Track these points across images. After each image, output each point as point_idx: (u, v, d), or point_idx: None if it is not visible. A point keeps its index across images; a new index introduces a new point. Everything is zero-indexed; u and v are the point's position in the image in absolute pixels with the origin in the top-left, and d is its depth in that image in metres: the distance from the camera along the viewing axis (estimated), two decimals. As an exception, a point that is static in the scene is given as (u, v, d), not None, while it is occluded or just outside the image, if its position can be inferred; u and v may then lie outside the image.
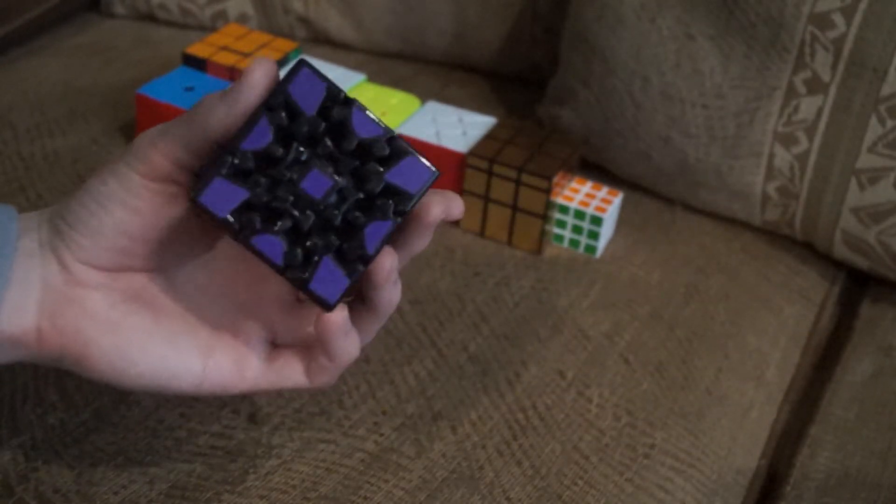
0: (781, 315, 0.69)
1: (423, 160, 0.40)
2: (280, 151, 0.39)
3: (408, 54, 0.91)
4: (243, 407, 0.54)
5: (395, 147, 0.40)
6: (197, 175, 0.41)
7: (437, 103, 0.73)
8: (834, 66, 0.65)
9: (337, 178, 0.40)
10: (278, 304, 0.46)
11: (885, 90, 0.63)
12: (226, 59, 0.74)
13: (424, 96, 0.79)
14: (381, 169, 0.40)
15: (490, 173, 0.67)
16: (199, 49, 0.75)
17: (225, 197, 0.39)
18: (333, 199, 0.40)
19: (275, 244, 0.40)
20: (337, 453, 0.52)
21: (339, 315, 0.41)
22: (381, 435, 0.54)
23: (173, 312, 0.44)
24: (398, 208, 0.40)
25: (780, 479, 0.59)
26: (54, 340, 0.41)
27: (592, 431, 0.56)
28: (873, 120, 0.64)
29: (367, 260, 0.40)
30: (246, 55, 0.75)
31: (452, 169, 0.69)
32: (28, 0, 0.86)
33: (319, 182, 0.39)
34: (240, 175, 0.39)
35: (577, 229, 0.69)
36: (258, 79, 0.39)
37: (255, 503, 0.49)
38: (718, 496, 0.56)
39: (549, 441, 0.55)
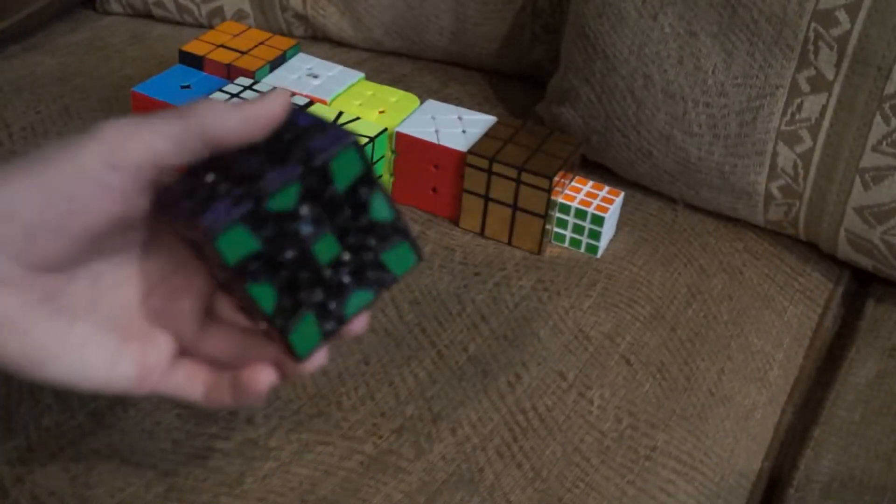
0: (785, 315, 0.69)
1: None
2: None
3: (407, 52, 0.91)
4: (241, 409, 0.53)
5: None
6: (188, 194, 0.41)
7: (436, 102, 0.73)
8: (838, 64, 0.64)
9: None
10: (192, 318, 0.44)
11: (890, 88, 0.63)
12: (223, 56, 0.74)
13: (424, 95, 0.79)
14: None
15: (490, 172, 0.67)
16: (195, 47, 0.75)
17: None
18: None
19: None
20: (335, 455, 0.52)
21: (312, 365, 0.42)
22: (380, 437, 0.53)
23: (88, 318, 0.42)
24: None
25: (784, 481, 0.59)
26: None
27: (594, 433, 0.56)
28: (877, 118, 0.64)
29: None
30: (243, 53, 0.75)
31: (452, 168, 0.68)
32: (24, -3, 0.86)
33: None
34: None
35: (578, 229, 0.69)
36: (279, 108, 0.40)
37: (253, 506, 0.49)
38: (721, 499, 0.56)
39: (549, 443, 0.55)
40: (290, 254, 0.41)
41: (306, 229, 0.41)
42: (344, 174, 0.41)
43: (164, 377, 0.44)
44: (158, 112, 0.40)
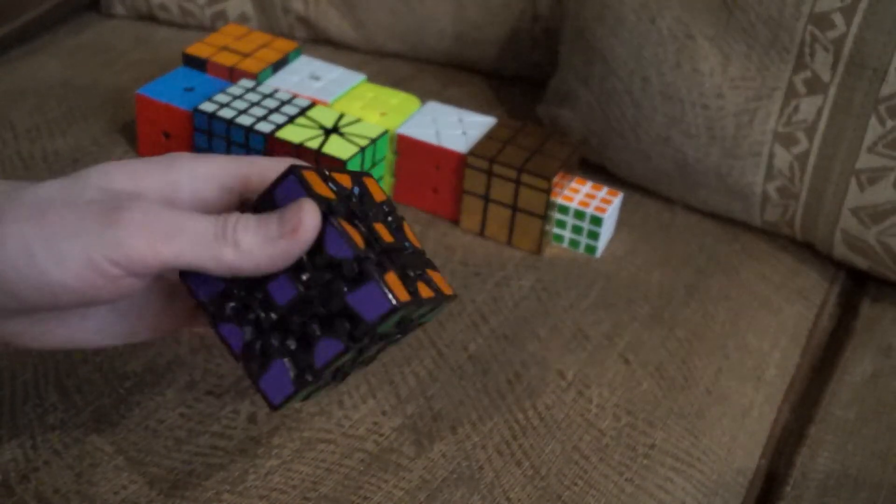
0: (781, 315, 0.69)
1: (387, 290, 0.39)
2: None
3: (408, 54, 0.91)
4: (243, 407, 0.54)
5: (363, 270, 0.39)
6: None
7: (437, 103, 0.73)
8: (834, 67, 0.65)
9: (302, 289, 0.40)
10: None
11: (885, 90, 0.63)
12: (226, 59, 0.74)
13: (424, 96, 0.79)
14: (345, 289, 0.40)
15: (490, 173, 0.67)
16: (199, 49, 0.75)
17: (208, 284, 0.41)
18: (299, 307, 0.40)
19: (236, 334, 0.42)
20: (337, 453, 0.52)
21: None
22: (381, 435, 0.54)
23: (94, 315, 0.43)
24: (354, 333, 0.40)
25: (780, 479, 0.59)
26: None
27: (592, 431, 0.56)
28: (873, 120, 0.65)
29: (315, 373, 0.40)
30: (246, 55, 0.75)
31: (452, 169, 0.69)
32: (28, 0, 0.86)
33: (285, 289, 0.40)
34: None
35: (576, 229, 0.69)
36: (312, 233, 0.39)
37: (256, 503, 0.49)
38: (718, 496, 0.56)
39: (548, 441, 0.55)
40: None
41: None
42: (390, 323, 0.41)
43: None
44: (189, 217, 0.39)
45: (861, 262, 0.71)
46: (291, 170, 0.40)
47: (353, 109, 0.72)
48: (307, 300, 0.40)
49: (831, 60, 0.65)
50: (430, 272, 0.45)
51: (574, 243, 0.70)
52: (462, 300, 0.64)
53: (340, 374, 0.44)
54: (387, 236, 0.43)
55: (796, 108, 0.67)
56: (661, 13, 0.70)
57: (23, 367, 0.54)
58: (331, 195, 0.41)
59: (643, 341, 0.63)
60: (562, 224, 0.69)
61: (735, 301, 0.68)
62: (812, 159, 0.68)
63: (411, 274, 0.43)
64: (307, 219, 0.39)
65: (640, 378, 0.61)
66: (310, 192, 0.40)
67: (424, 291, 0.42)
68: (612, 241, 0.72)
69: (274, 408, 0.41)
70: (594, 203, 0.69)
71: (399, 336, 0.45)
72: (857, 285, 0.75)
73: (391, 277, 0.40)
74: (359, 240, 0.40)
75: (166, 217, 0.38)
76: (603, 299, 0.66)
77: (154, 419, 0.52)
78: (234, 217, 0.39)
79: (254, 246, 0.39)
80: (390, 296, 0.39)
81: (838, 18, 0.64)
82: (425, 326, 0.61)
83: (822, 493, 0.57)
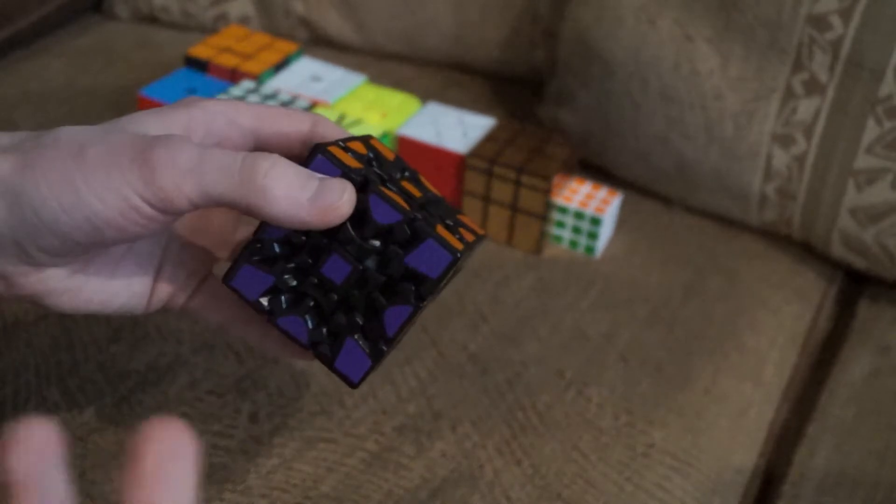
0: (779, 315, 0.69)
1: (441, 245, 0.39)
2: (301, 239, 0.40)
3: (408, 56, 0.91)
4: (245, 406, 0.54)
5: (417, 230, 0.39)
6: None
7: (437, 104, 0.73)
8: (832, 68, 0.65)
9: (358, 262, 0.40)
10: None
11: (883, 91, 0.64)
12: (227, 60, 0.75)
13: (425, 97, 0.79)
14: (402, 252, 0.40)
15: (490, 174, 0.67)
16: (200, 51, 0.76)
17: (254, 281, 0.41)
18: (357, 282, 0.40)
19: (299, 324, 0.41)
20: (338, 452, 0.53)
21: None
22: (382, 434, 0.54)
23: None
24: (420, 292, 0.40)
25: (779, 477, 0.59)
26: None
27: (592, 430, 0.57)
28: (871, 121, 0.65)
29: (388, 342, 0.40)
30: (247, 57, 0.75)
31: (452, 170, 0.69)
32: (30, 2, 0.86)
33: (339, 267, 0.40)
34: (267, 261, 0.41)
35: (576, 230, 0.69)
36: (346, 207, 0.39)
37: (257, 502, 0.50)
38: (717, 495, 0.56)
39: (548, 440, 0.56)
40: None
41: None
42: (447, 279, 0.40)
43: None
44: (216, 151, 0.38)
45: (859, 262, 0.71)
46: (318, 149, 0.40)
47: (353, 110, 0.72)
48: (364, 273, 0.40)
49: (829, 61, 0.65)
50: (461, 217, 0.45)
51: (573, 244, 0.70)
52: (462, 300, 0.64)
53: (401, 335, 0.43)
54: (415, 192, 0.43)
55: (794, 109, 0.67)
56: (660, 14, 0.70)
57: (25, 366, 0.55)
58: (360, 165, 0.41)
59: (642, 341, 0.64)
60: (561, 224, 0.70)
61: (733, 301, 0.69)
62: (810, 160, 0.68)
63: (450, 223, 0.43)
64: (344, 204, 0.39)
65: (639, 377, 0.61)
66: (343, 169, 0.40)
67: (468, 236, 0.43)
68: (611, 241, 0.72)
69: (354, 386, 0.41)
70: (593, 203, 0.69)
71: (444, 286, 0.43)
72: (855, 285, 0.75)
73: (441, 230, 0.40)
74: (401, 202, 0.40)
75: (191, 151, 0.38)
76: (602, 299, 0.66)
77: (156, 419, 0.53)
78: (270, 160, 0.38)
79: (281, 200, 0.38)
80: (449, 249, 0.39)
81: (836, 20, 0.64)
82: (425, 326, 0.62)
83: (820, 491, 0.57)
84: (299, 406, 0.55)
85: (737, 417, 0.61)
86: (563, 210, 0.69)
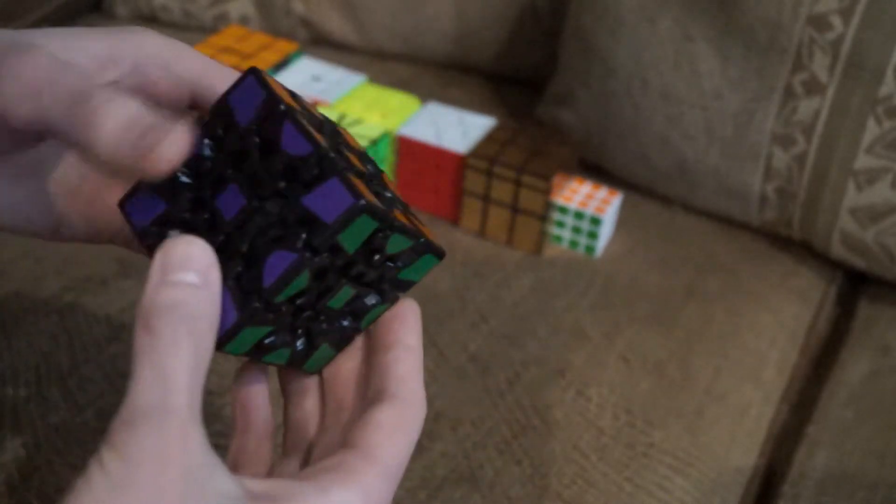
0: (779, 315, 0.69)
1: (347, 187, 0.32)
2: (207, 165, 0.35)
3: (408, 56, 0.92)
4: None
5: (324, 167, 0.33)
6: None
7: (437, 104, 0.74)
8: (832, 68, 0.65)
9: (256, 198, 0.34)
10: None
11: (883, 91, 0.64)
12: (227, 60, 0.75)
13: (425, 97, 0.79)
14: (304, 191, 0.33)
15: (490, 174, 0.67)
16: (200, 50, 0.75)
17: (147, 208, 0.36)
18: (248, 222, 0.34)
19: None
20: (338, 452, 0.53)
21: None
22: (382, 434, 0.54)
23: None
24: (312, 241, 0.33)
25: (778, 478, 0.59)
26: None
27: (592, 430, 0.57)
28: (871, 121, 0.65)
29: (262, 294, 0.33)
30: (247, 56, 0.76)
31: (452, 170, 0.69)
32: (31, 1, 0.86)
33: (233, 200, 0.34)
34: (165, 187, 0.35)
35: (576, 230, 0.69)
36: (172, 154, 0.34)
37: (257, 502, 0.50)
38: (717, 495, 0.56)
39: (548, 440, 0.56)
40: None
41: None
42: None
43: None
44: (68, 75, 0.34)
45: (859, 263, 0.71)
46: (252, 71, 0.34)
47: (353, 110, 0.72)
48: (261, 213, 0.34)
49: (829, 62, 0.65)
50: (415, 220, 0.38)
51: (573, 244, 0.70)
52: (462, 300, 0.64)
53: (334, 332, 0.38)
54: (362, 167, 0.37)
55: (794, 109, 0.67)
56: (660, 14, 0.70)
57: (26, 367, 0.55)
58: (293, 104, 0.35)
59: (642, 341, 0.64)
60: (561, 224, 0.70)
61: (733, 301, 0.69)
62: (810, 160, 0.68)
63: (388, 195, 0.37)
64: (166, 149, 0.33)
65: (640, 377, 0.61)
66: (269, 94, 0.34)
67: (400, 217, 0.36)
68: (611, 241, 0.72)
69: (218, 348, 0.33)
70: (593, 203, 0.69)
71: (384, 287, 0.38)
72: (855, 285, 0.75)
73: (358, 182, 0.34)
74: (319, 138, 0.34)
75: (41, 69, 0.34)
76: (602, 299, 0.66)
77: (156, 418, 0.53)
78: (107, 94, 0.34)
79: (104, 136, 0.33)
80: (355, 193, 0.32)
81: (836, 20, 0.64)
82: (425, 327, 0.61)
83: (819, 491, 0.57)
84: (299, 406, 0.55)
85: (737, 417, 0.61)
86: (563, 210, 0.69)
